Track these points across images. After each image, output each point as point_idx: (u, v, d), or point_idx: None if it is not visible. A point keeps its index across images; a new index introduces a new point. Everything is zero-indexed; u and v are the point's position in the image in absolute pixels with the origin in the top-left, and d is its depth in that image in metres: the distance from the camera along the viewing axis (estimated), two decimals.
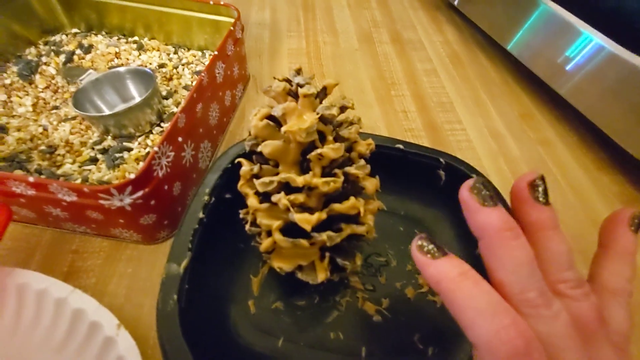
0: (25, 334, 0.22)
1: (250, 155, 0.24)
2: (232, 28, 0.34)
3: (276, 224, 0.21)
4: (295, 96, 0.22)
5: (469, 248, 0.29)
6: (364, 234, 0.22)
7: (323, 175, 0.21)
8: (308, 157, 0.21)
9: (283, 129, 0.20)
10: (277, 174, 0.22)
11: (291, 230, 0.21)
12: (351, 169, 0.21)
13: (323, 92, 0.22)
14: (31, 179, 0.21)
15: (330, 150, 0.20)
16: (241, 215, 0.24)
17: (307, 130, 0.20)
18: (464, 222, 0.30)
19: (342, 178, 0.21)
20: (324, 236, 0.20)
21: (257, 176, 0.23)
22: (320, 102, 0.22)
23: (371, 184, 0.23)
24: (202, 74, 0.29)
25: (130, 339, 0.21)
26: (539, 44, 0.41)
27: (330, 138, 0.22)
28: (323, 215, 0.21)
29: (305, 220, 0.20)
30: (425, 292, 0.27)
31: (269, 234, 0.22)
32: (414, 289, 0.27)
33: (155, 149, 0.23)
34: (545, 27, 0.40)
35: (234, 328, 0.24)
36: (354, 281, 0.27)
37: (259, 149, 0.21)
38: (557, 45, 0.39)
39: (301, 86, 0.22)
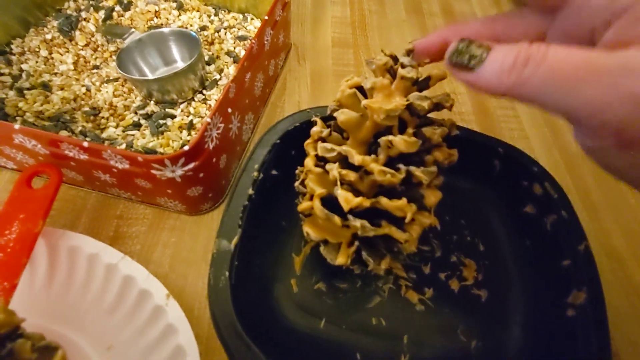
0: (77, 295, 0.23)
1: (328, 119, 0.22)
2: None
3: (319, 191, 0.20)
4: (394, 75, 0.20)
5: (520, 246, 0.27)
6: (401, 242, 0.20)
7: (386, 165, 0.20)
8: (378, 140, 0.19)
9: (363, 102, 0.19)
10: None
11: (332, 204, 0.20)
12: (417, 171, 0.19)
13: (425, 81, 0.20)
14: (85, 144, 0.21)
15: (402, 141, 0.18)
16: (297, 172, 0.23)
17: (388, 113, 0.18)
18: (516, 216, 0.29)
19: (402, 175, 0.19)
20: (357, 223, 0.19)
21: (323, 139, 0.21)
22: (419, 91, 0.20)
23: (433, 196, 0.21)
24: (253, 41, 0.27)
25: (179, 309, 0.22)
26: None
27: (410, 131, 0.20)
28: (366, 202, 0.19)
29: (345, 199, 0.19)
30: (470, 285, 0.26)
31: (311, 198, 0.21)
32: (458, 281, 0.26)
33: (208, 120, 0.22)
34: None
35: (277, 306, 0.24)
36: (397, 268, 0.27)
37: (335, 114, 0.20)
38: None
39: (404, 67, 0.19)
